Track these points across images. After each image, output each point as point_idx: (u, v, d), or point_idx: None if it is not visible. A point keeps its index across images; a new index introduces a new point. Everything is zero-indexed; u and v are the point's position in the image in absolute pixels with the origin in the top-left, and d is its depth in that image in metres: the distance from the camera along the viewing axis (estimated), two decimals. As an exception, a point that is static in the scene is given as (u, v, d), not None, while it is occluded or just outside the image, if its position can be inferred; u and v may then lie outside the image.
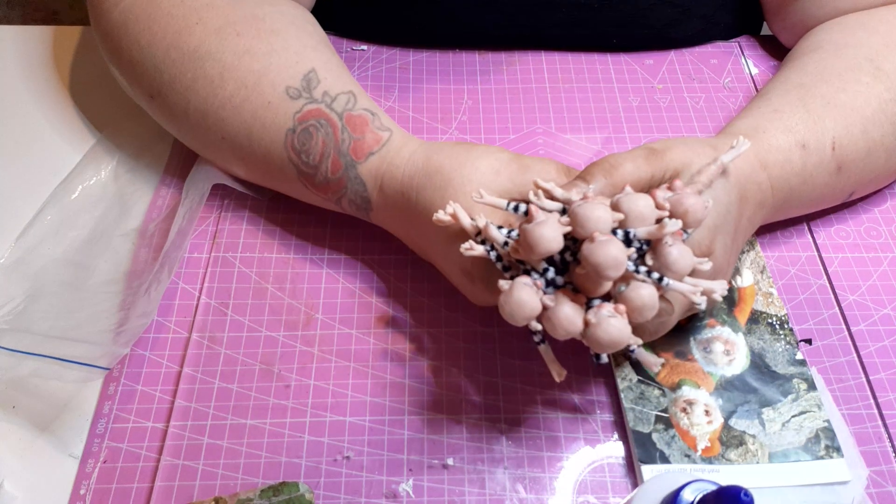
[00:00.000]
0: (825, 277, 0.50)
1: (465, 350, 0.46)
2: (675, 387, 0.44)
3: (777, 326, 0.46)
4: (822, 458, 0.41)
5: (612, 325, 0.35)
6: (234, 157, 0.49)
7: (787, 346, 0.45)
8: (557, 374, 0.40)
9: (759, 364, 0.45)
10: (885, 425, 0.43)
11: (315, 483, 0.40)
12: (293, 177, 0.47)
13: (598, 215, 0.35)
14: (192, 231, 0.50)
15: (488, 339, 0.46)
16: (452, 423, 0.43)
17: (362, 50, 0.62)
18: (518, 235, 0.37)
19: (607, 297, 0.37)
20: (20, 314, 0.45)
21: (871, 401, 0.44)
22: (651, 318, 0.37)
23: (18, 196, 0.53)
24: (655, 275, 0.37)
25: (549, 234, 0.35)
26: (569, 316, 0.36)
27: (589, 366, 0.45)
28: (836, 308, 0.48)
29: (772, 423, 0.42)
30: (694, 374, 0.44)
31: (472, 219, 0.40)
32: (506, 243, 0.38)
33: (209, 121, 0.47)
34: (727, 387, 0.44)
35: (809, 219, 0.52)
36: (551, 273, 0.37)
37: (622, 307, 0.36)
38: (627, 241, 0.37)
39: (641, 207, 0.37)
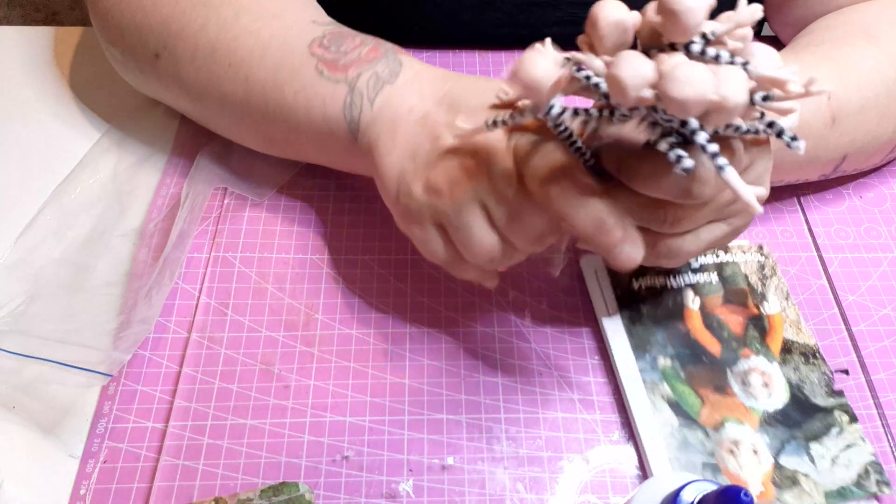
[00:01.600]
0: (825, 277, 0.50)
1: (465, 350, 0.46)
2: (719, 426, 0.42)
3: (810, 356, 0.45)
4: (875, 493, 0.40)
5: (695, 70, 0.29)
6: (235, 93, 0.47)
7: (823, 377, 0.44)
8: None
9: (798, 396, 0.44)
10: (885, 425, 0.43)
11: (315, 483, 0.40)
12: (310, 71, 0.45)
13: None
14: (193, 233, 0.50)
15: (488, 338, 0.46)
16: (452, 423, 0.43)
17: (362, 50, 0.62)
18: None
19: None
20: (20, 315, 0.45)
21: (871, 401, 0.44)
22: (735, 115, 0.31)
23: (18, 196, 0.53)
24: (740, 59, 0.31)
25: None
26: (638, 60, 0.30)
27: (589, 365, 0.45)
28: (836, 308, 0.48)
29: (822, 460, 0.41)
30: (736, 411, 0.43)
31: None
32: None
33: (218, 53, 0.46)
34: (771, 422, 0.42)
35: (809, 219, 0.52)
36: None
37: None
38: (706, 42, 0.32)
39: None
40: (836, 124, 0.47)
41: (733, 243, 0.50)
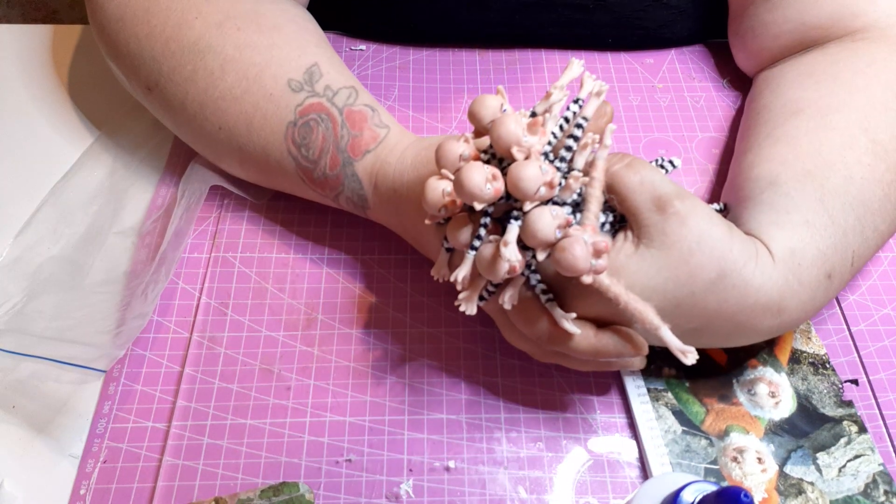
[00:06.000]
0: (825, 277, 0.50)
1: (465, 350, 0.46)
2: (723, 434, 0.42)
3: (819, 366, 0.45)
4: (883, 503, 0.40)
5: (484, 249, 0.36)
6: (230, 150, 0.48)
7: (832, 387, 0.44)
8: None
9: (806, 406, 0.43)
10: (885, 425, 0.43)
11: (315, 483, 0.40)
12: (291, 170, 0.47)
13: (531, 173, 0.34)
14: (189, 232, 0.50)
15: (488, 339, 0.46)
16: (453, 424, 0.43)
17: (361, 50, 0.62)
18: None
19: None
20: (17, 314, 0.45)
21: (872, 401, 0.44)
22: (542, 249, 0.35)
23: (17, 195, 0.53)
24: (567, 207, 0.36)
25: (533, 172, 0.34)
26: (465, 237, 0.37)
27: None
28: (837, 308, 0.48)
29: (828, 469, 0.41)
30: (741, 419, 0.43)
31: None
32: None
33: (207, 111, 0.47)
34: (777, 431, 0.42)
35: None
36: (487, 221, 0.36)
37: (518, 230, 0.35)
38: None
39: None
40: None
41: None
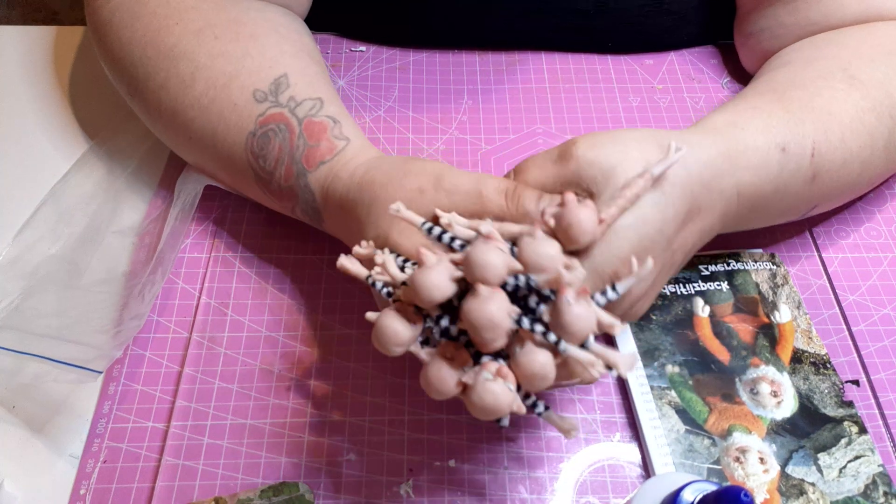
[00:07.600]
0: (825, 277, 0.50)
1: (465, 350, 0.46)
2: (726, 434, 0.42)
3: (820, 366, 0.45)
4: None
5: (488, 391, 0.31)
6: (202, 158, 0.48)
7: (833, 387, 0.44)
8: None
9: (808, 406, 0.43)
10: (885, 425, 0.43)
11: (315, 483, 0.40)
12: (252, 181, 0.46)
13: (488, 260, 0.31)
14: (185, 232, 0.50)
15: (488, 339, 0.46)
16: (453, 424, 0.43)
17: (361, 51, 0.62)
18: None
19: (504, 355, 0.33)
20: (14, 311, 0.45)
21: (872, 400, 0.44)
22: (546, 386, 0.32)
23: (17, 195, 0.53)
24: (553, 336, 0.31)
25: (436, 281, 0.31)
26: (440, 377, 0.32)
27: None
28: (837, 308, 0.48)
29: (829, 470, 0.41)
30: (744, 419, 0.43)
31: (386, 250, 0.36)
32: (404, 283, 0.34)
33: (178, 120, 0.47)
34: (779, 431, 0.42)
35: (809, 219, 0.52)
36: (445, 322, 0.33)
37: (506, 370, 0.31)
38: (528, 289, 0.32)
39: (542, 257, 0.31)
40: (817, 181, 0.44)
41: (745, 251, 0.50)
